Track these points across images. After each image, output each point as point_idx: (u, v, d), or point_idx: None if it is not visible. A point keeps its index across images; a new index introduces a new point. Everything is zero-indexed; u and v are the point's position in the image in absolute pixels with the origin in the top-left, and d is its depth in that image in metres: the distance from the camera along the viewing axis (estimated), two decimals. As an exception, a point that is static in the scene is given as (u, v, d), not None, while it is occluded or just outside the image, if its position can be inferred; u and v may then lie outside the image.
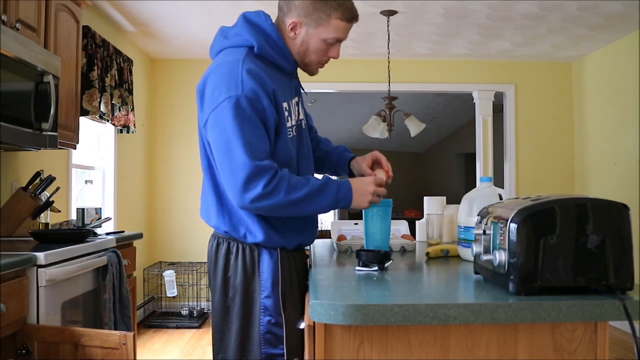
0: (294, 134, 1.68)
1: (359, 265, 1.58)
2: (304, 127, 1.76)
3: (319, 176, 1.63)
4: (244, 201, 1.49)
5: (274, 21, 1.70)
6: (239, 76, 1.51)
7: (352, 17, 1.64)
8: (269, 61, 1.63)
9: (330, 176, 1.64)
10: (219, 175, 1.59)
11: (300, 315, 1.63)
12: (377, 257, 1.57)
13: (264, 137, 1.52)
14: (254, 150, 1.48)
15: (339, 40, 1.67)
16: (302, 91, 1.84)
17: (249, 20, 1.65)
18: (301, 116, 1.76)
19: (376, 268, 1.55)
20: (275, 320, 1.61)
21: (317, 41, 1.65)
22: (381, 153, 1.83)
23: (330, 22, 1.61)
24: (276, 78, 1.62)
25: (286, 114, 1.62)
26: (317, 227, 1.79)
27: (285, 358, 1.60)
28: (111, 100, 4.10)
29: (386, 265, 1.56)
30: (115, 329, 2.52)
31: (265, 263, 1.63)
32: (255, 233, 1.61)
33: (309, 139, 1.85)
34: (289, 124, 1.63)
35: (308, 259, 1.86)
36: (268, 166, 1.49)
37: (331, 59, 1.74)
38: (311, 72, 1.76)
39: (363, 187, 1.60)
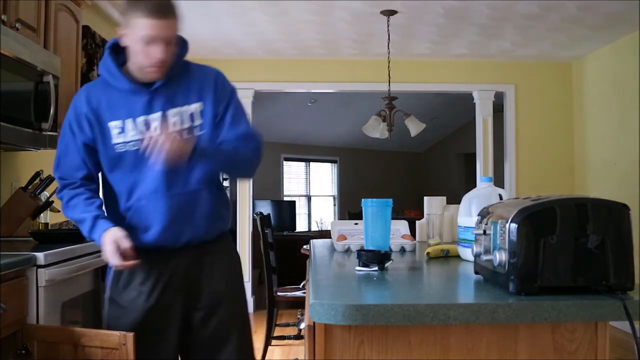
0: (130, 148, 1.77)
1: (359, 265, 1.58)
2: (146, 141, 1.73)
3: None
4: None
5: None
6: (74, 98, 1.85)
7: (154, 11, 1.66)
8: (108, 84, 1.80)
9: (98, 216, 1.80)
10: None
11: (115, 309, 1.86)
12: (377, 257, 1.57)
13: (72, 153, 1.83)
14: (58, 163, 1.86)
15: (153, 40, 1.67)
16: (177, 109, 1.81)
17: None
18: (153, 130, 1.76)
19: (376, 268, 1.55)
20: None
21: (134, 43, 1.70)
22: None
23: (134, 22, 1.67)
24: (113, 98, 1.79)
25: (116, 130, 1.78)
26: (155, 227, 1.81)
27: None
28: (111, 100, 4.10)
29: (386, 265, 1.56)
30: (115, 329, 2.52)
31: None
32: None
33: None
34: (120, 140, 1.78)
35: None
36: (60, 178, 1.85)
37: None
38: (150, 76, 1.76)
39: (107, 243, 1.71)
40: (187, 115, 1.81)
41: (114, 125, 1.78)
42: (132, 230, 1.78)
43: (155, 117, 1.77)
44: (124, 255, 1.69)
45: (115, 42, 1.80)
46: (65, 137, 1.84)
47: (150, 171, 1.78)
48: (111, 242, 1.70)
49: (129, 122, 1.77)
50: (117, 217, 1.83)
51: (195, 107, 1.81)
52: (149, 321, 1.82)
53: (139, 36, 1.67)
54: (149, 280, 1.83)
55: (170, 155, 1.66)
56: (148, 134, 1.74)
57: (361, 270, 1.56)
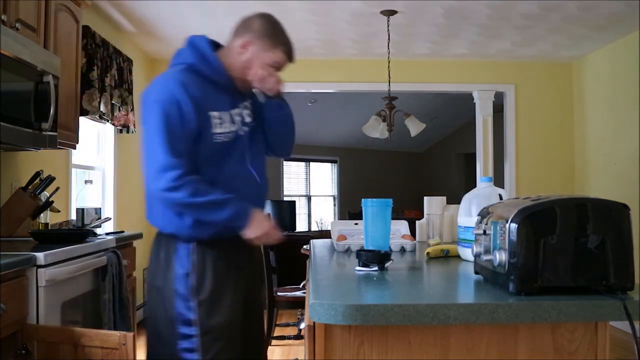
0: (226, 140, 1.83)
1: (359, 265, 1.58)
2: (243, 134, 1.89)
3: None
4: (153, 189, 1.75)
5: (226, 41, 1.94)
6: (168, 84, 1.78)
7: (291, 56, 1.90)
8: (204, 76, 1.84)
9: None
10: None
11: (222, 298, 1.80)
12: (377, 257, 1.56)
13: (180, 138, 1.73)
14: (170, 147, 1.71)
15: (276, 68, 1.89)
16: (246, 103, 1.96)
17: (191, 43, 1.91)
18: (243, 127, 1.90)
19: (376, 268, 1.55)
20: (187, 305, 1.77)
21: (260, 63, 1.86)
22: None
23: (276, 50, 1.86)
24: (209, 90, 1.83)
25: (216, 121, 1.81)
26: None
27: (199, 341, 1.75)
28: (111, 100, 4.10)
29: (386, 265, 1.56)
30: (115, 329, 2.52)
31: (179, 255, 1.80)
32: (169, 225, 1.83)
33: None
34: (218, 130, 1.81)
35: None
36: (178, 164, 1.70)
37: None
38: (248, 87, 1.93)
39: (262, 221, 1.79)
40: (249, 111, 1.94)
41: (214, 115, 1.81)
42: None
43: (237, 112, 1.89)
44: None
45: (206, 39, 1.90)
46: (171, 126, 1.73)
47: (242, 165, 1.88)
48: (269, 221, 1.80)
49: (225, 115, 1.84)
50: None
51: (248, 103, 1.96)
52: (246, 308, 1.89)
53: (271, 61, 1.86)
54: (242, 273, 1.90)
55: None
56: (235, 126, 1.86)
57: (361, 270, 1.56)
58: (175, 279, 1.79)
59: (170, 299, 1.79)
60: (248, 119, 1.92)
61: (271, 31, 1.87)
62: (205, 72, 1.84)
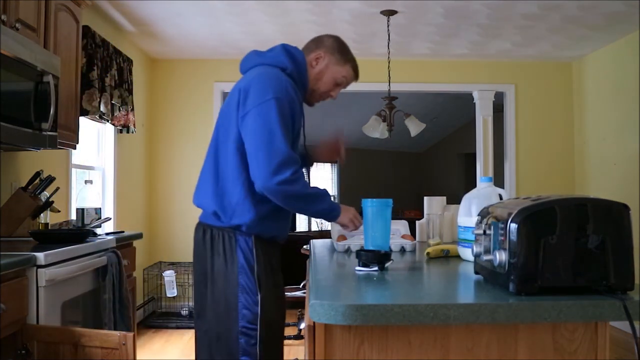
0: (302, 142, 2.06)
1: (359, 265, 1.58)
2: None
3: None
4: (272, 182, 1.76)
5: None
6: (283, 83, 1.86)
7: (357, 74, 2.09)
8: (297, 83, 1.97)
9: None
10: (222, 161, 1.88)
11: (275, 292, 1.89)
12: (377, 257, 1.56)
13: (291, 135, 1.85)
14: (288, 142, 1.80)
15: (342, 84, 2.06)
16: None
17: (287, 50, 2.02)
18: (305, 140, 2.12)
19: (376, 268, 1.55)
20: (252, 298, 1.83)
21: (331, 75, 2.03)
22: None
23: (346, 66, 2.04)
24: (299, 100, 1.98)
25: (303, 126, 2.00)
26: (289, 226, 2.04)
27: (258, 333, 1.81)
28: (111, 100, 4.10)
29: (386, 265, 1.56)
30: (115, 329, 2.52)
31: (242, 247, 1.85)
32: (240, 216, 1.84)
33: None
34: (303, 134, 2.03)
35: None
36: (297, 159, 1.81)
37: None
38: (313, 100, 2.08)
39: (348, 209, 1.94)
40: None
41: (303, 122, 2.00)
42: (283, 221, 1.95)
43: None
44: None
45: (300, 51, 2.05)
46: (287, 123, 1.83)
47: None
48: (353, 210, 1.95)
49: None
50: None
51: None
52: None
53: (341, 76, 2.03)
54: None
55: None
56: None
57: (361, 270, 1.56)
58: (239, 270, 1.85)
59: (234, 290, 1.84)
60: (305, 139, 2.11)
61: (342, 48, 2.05)
62: (298, 80, 1.98)
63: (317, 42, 2.07)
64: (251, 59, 2.03)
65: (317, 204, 1.85)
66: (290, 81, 1.91)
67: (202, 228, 1.93)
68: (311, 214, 1.93)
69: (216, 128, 1.95)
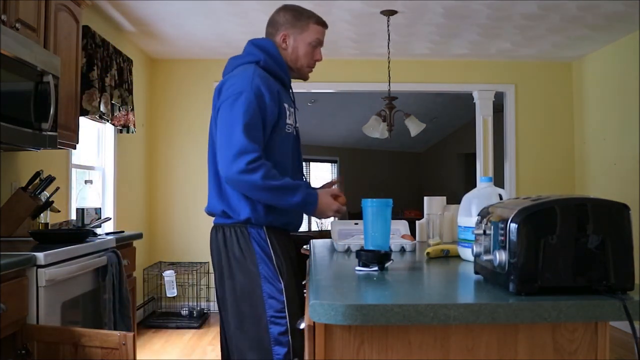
0: (293, 132, 2.03)
1: (359, 265, 1.58)
2: (295, 133, 2.09)
3: None
4: (231, 172, 1.80)
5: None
6: (251, 78, 1.89)
7: (324, 22, 2.07)
8: (272, 73, 2.00)
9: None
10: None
11: (296, 284, 1.95)
12: (377, 257, 1.56)
13: (260, 128, 1.87)
14: (250, 133, 1.82)
15: (319, 43, 2.07)
16: (295, 109, 2.15)
17: (255, 43, 2.07)
18: (297, 124, 2.10)
19: (376, 268, 1.54)
20: (275, 286, 1.88)
21: (304, 45, 2.04)
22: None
23: (310, 27, 2.04)
24: (279, 86, 2.01)
25: (287, 113, 1.99)
26: (301, 214, 2.09)
27: (287, 321, 1.85)
28: (111, 100, 4.10)
29: (386, 265, 1.56)
30: (115, 329, 2.52)
31: (255, 238, 1.91)
32: (247, 210, 1.90)
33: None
34: (289, 121, 2.00)
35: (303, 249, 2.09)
36: (256, 149, 1.81)
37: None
38: (304, 75, 2.12)
39: (329, 201, 1.94)
40: (295, 116, 2.10)
41: (286, 107, 1.99)
42: (292, 210, 1.96)
43: (293, 112, 2.07)
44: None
45: (271, 41, 2.05)
46: (252, 116, 1.86)
47: (294, 160, 2.06)
48: (330, 195, 1.96)
49: (290, 108, 2.03)
50: None
51: (295, 110, 2.12)
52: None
53: (313, 39, 2.03)
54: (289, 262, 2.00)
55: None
56: (294, 122, 2.06)
57: (361, 270, 1.55)
58: (258, 260, 1.89)
59: (257, 279, 1.88)
60: (297, 122, 2.10)
61: (297, 15, 2.04)
62: (274, 70, 2.00)
63: (273, 25, 2.08)
64: (229, 64, 2.09)
65: (287, 196, 1.85)
66: (263, 74, 1.94)
67: (215, 229, 2.00)
68: (285, 207, 1.91)
69: (210, 132, 2.02)
